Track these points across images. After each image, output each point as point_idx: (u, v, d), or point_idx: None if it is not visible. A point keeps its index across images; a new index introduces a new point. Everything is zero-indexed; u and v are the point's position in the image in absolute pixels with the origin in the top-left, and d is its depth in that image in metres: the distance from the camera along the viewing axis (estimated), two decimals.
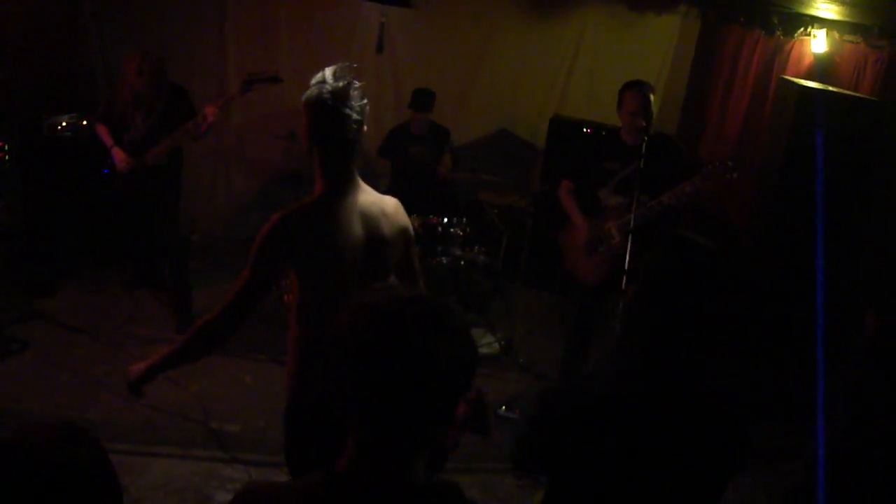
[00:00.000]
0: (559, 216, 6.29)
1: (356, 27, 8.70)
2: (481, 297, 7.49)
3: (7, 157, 6.72)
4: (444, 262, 7.17)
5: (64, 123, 7.42)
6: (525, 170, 9.20)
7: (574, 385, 3.23)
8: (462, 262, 7.25)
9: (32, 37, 7.37)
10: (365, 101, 3.20)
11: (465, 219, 7.36)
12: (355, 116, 3.15)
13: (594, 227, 5.90)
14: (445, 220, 7.25)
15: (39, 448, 1.82)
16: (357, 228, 3.25)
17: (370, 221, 3.31)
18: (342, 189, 3.24)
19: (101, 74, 8.46)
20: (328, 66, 3.18)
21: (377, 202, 3.39)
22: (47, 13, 7.61)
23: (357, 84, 3.17)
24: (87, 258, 7.77)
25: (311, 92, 3.15)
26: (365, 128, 3.23)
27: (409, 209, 7.21)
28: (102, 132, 6.75)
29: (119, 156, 6.64)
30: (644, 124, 5.60)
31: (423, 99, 7.75)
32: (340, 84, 3.12)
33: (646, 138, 5.49)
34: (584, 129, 8.11)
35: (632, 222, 5.31)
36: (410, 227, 3.58)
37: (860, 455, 3.65)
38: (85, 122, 7.47)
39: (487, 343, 7.24)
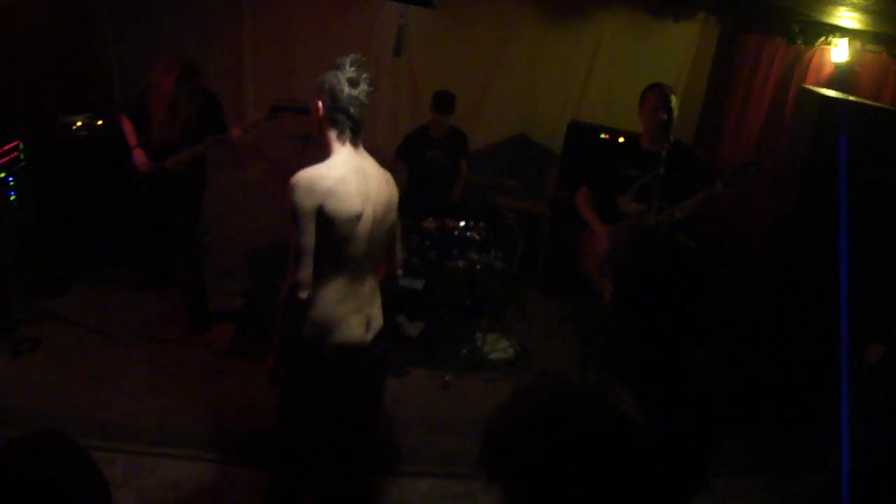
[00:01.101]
0: (576, 222, 6.25)
1: (373, 30, 8.70)
2: (497, 301, 7.46)
3: (22, 157, 6.71)
4: (461, 265, 7.14)
5: (79, 123, 7.43)
6: (542, 175, 9.17)
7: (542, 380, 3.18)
8: (478, 267, 7.21)
9: (48, 38, 7.36)
10: (372, 88, 3.78)
11: (481, 223, 7.33)
12: (363, 99, 3.74)
13: (614, 233, 5.87)
14: (462, 223, 7.22)
15: (18, 464, 1.76)
16: (370, 181, 3.85)
17: (378, 179, 3.92)
18: (351, 154, 3.81)
19: (116, 76, 8.46)
20: None
21: (379, 168, 4.00)
22: (63, 15, 7.60)
23: (366, 74, 3.75)
24: (100, 258, 7.76)
25: (329, 76, 3.75)
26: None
27: (427, 212, 7.25)
28: (128, 130, 6.72)
29: (140, 158, 6.63)
30: (665, 117, 5.57)
31: (444, 101, 7.72)
32: (354, 72, 3.71)
33: (666, 145, 5.46)
34: (602, 135, 8.06)
35: None
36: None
37: (884, 462, 3.61)
38: (100, 123, 7.47)
39: (502, 348, 7.21)
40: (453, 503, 5.16)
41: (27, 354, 6.26)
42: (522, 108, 9.20)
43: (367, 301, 4.04)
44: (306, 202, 3.59)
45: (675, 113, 5.75)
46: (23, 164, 6.73)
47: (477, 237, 7.23)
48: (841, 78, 7.14)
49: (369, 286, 4.05)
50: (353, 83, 3.71)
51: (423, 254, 7.13)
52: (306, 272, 3.68)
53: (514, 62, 9.01)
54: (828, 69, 7.38)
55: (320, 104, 3.78)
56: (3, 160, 6.45)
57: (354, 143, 3.83)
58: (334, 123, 3.78)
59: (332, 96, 3.72)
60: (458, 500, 5.20)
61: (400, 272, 4.46)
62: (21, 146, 6.69)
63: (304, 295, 3.72)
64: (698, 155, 6.21)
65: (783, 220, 6.83)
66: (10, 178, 6.54)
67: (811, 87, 7.00)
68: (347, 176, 3.71)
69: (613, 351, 2.66)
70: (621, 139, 7.48)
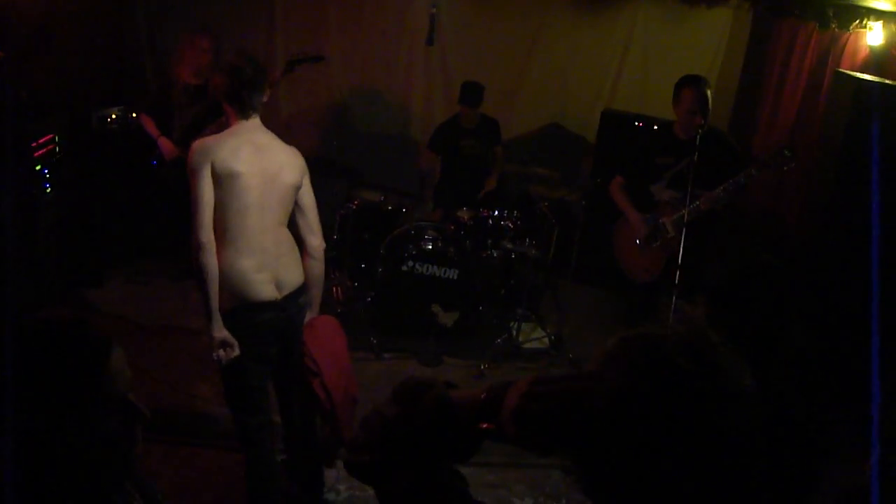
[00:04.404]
0: (611, 211, 6.23)
1: (406, 19, 8.68)
2: (531, 290, 7.43)
3: (57, 150, 6.75)
4: (495, 255, 7.15)
5: (113, 116, 7.47)
6: (576, 163, 9.12)
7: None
8: (513, 256, 7.22)
9: (82, 31, 7.41)
10: (259, 71, 4.37)
11: (515, 212, 7.31)
12: (249, 76, 4.29)
13: (649, 221, 5.85)
14: (496, 212, 7.21)
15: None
16: (262, 149, 4.31)
17: (273, 149, 4.38)
18: (247, 127, 4.32)
19: (149, 68, 8.51)
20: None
21: (279, 142, 4.46)
22: (96, 8, 7.65)
23: (252, 61, 4.40)
24: (135, 249, 7.83)
25: (224, 68, 4.39)
26: (265, 95, 4.41)
27: (461, 202, 7.23)
28: (148, 123, 6.81)
29: (166, 146, 6.69)
30: (702, 122, 5.54)
31: (471, 94, 7.64)
32: (239, 61, 4.38)
33: (699, 132, 5.43)
34: (636, 123, 8.00)
35: (686, 217, 5.25)
36: (305, 169, 4.51)
37: None
38: (134, 115, 7.51)
39: (537, 337, 7.21)
40: (487, 492, 5.15)
41: None
42: (556, 96, 9.13)
43: (272, 259, 4.29)
44: (200, 159, 4.11)
45: (710, 105, 5.72)
46: (58, 156, 6.77)
47: (511, 226, 7.22)
48: (877, 61, 7.07)
49: (273, 245, 4.30)
50: (241, 73, 4.29)
51: (457, 243, 7.11)
52: (205, 227, 4.11)
53: (546, 51, 8.94)
54: (863, 53, 7.31)
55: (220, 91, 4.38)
56: (39, 153, 6.50)
57: (251, 118, 4.33)
58: (232, 104, 4.32)
59: (229, 82, 4.29)
60: (492, 490, 5.20)
61: (317, 242, 4.58)
62: (56, 139, 6.74)
63: (206, 256, 4.10)
64: (731, 141, 6.18)
65: (819, 205, 6.78)
66: (46, 171, 6.59)
67: (846, 72, 6.94)
68: (238, 141, 4.23)
69: None
70: (655, 127, 7.43)
